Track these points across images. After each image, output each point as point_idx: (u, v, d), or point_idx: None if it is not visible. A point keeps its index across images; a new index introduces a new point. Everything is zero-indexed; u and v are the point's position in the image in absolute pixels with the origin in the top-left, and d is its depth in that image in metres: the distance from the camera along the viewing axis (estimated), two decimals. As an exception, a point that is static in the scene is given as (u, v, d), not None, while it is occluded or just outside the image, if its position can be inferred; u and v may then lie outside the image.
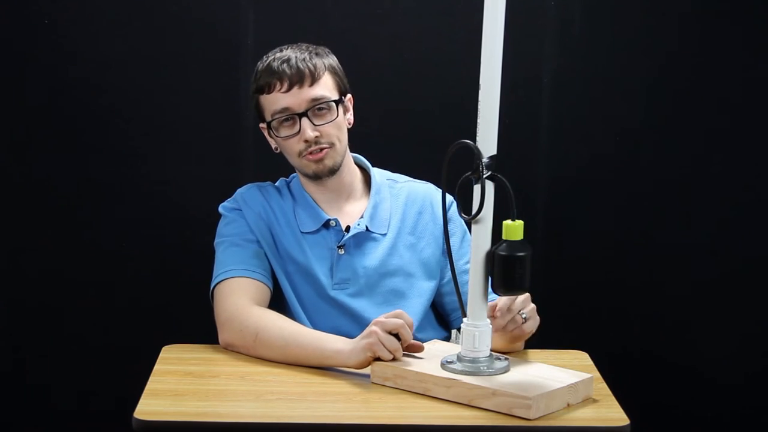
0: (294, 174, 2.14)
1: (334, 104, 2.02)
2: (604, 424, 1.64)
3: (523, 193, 2.64)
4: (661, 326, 2.82)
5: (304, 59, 2.01)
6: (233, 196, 2.12)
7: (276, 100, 2.01)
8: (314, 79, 2.01)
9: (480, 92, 1.67)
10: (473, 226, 1.70)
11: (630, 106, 2.75)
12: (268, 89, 2.01)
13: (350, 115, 2.08)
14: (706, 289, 2.81)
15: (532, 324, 1.86)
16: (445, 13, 2.69)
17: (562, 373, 1.73)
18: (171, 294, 2.73)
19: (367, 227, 2.07)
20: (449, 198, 1.96)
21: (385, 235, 2.08)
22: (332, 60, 2.06)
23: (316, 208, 2.07)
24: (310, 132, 1.99)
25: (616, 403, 1.71)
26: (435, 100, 2.71)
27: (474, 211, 1.68)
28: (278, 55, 2.03)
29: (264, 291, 2.00)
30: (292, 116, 2.00)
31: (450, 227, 1.93)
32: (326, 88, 2.02)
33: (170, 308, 2.73)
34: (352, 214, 2.09)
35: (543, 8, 2.70)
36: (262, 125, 2.08)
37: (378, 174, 2.14)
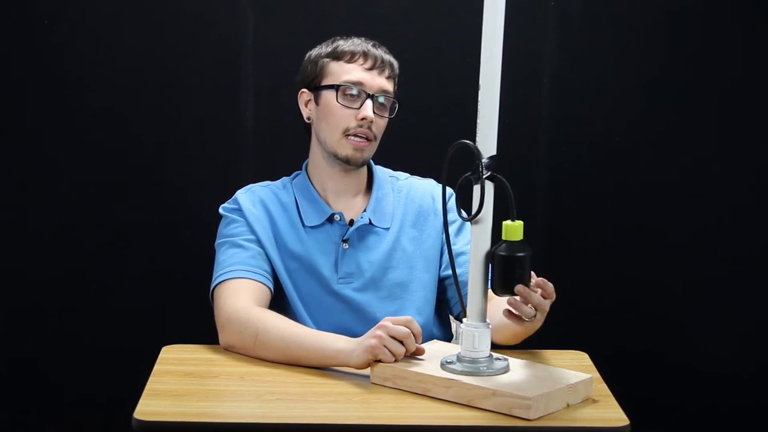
0: (298, 171, 2.14)
1: (394, 105, 2.06)
2: (603, 425, 1.64)
3: (523, 193, 2.64)
4: (661, 326, 2.82)
5: (387, 52, 2.08)
6: (233, 197, 2.12)
7: (353, 71, 2.03)
8: (390, 73, 2.06)
9: (480, 92, 1.67)
10: (473, 227, 1.70)
11: (630, 106, 2.75)
12: (350, 59, 2.04)
13: None
14: (705, 288, 2.81)
15: (539, 320, 1.80)
16: (445, 13, 2.70)
17: (561, 374, 1.73)
18: (171, 294, 2.73)
19: (370, 221, 2.07)
20: (449, 191, 1.97)
21: (388, 229, 2.09)
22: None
23: (320, 203, 2.08)
24: (370, 112, 2.01)
25: (616, 403, 1.71)
26: (435, 100, 2.72)
27: (474, 211, 1.68)
28: (361, 39, 2.08)
29: (264, 292, 2.00)
30: (360, 93, 2.02)
31: (449, 216, 1.94)
32: (393, 88, 2.07)
33: (170, 308, 2.74)
34: (355, 208, 2.10)
35: (543, 8, 2.70)
36: (305, 91, 2.09)
37: (380, 170, 2.16)
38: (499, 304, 1.84)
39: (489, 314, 1.77)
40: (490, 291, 2.01)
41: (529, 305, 1.73)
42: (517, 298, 1.73)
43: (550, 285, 1.76)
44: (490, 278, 1.73)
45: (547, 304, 1.76)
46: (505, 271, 1.68)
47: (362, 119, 2.01)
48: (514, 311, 1.75)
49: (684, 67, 2.73)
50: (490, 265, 1.71)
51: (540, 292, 1.75)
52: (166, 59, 2.68)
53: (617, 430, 1.62)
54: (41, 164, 2.70)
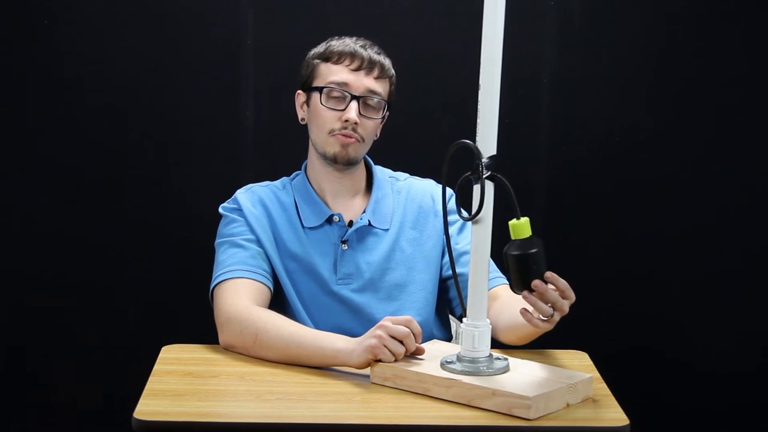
0: (298, 172, 2.14)
1: (384, 106, 2.05)
2: (603, 424, 1.64)
3: (523, 193, 2.64)
4: (661, 326, 2.82)
5: (378, 53, 2.06)
6: (233, 197, 2.12)
7: (339, 72, 2.03)
8: (380, 74, 2.04)
9: (480, 92, 1.67)
10: (473, 227, 1.70)
11: (630, 107, 2.75)
12: (337, 60, 2.04)
13: (379, 128, 2.09)
14: (705, 288, 2.81)
15: (554, 320, 1.76)
16: (445, 13, 2.70)
17: (561, 373, 1.73)
18: (171, 294, 2.73)
19: (369, 222, 2.07)
20: (449, 191, 1.97)
21: (387, 230, 2.09)
22: (393, 72, 2.09)
23: (320, 204, 2.08)
24: (354, 114, 2.01)
25: (616, 403, 1.71)
26: (435, 100, 2.72)
27: (474, 211, 1.68)
28: (353, 39, 2.07)
29: (264, 291, 2.00)
30: (345, 94, 2.01)
31: (450, 218, 1.93)
32: (384, 89, 2.06)
33: (170, 308, 2.74)
34: (354, 209, 2.10)
35: (543, 8, 2.70)
36: (301, 92, 2.09)
37: (380, 171, 2.16)
38: (509, 303, 1.84)
39: (499, 313, 1.77)
40: (493, 290, 2.01)
41: (548, 304, 1.70)
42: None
43: (562, 281, 1.71)
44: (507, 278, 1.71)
45: (565, 304, 1.71)
46: (520, 269, 1.67)
47: (345, 121, 2.01)
48: (530, 309, 1.71)
49: (684, 67, 2.73)
50: (505, 266, 1.69)
51: (553, 288, 1.70)
52: (166, 59, 2.68)
53: (617, 430, 1.62)
54: (41, 164, 2.70)
